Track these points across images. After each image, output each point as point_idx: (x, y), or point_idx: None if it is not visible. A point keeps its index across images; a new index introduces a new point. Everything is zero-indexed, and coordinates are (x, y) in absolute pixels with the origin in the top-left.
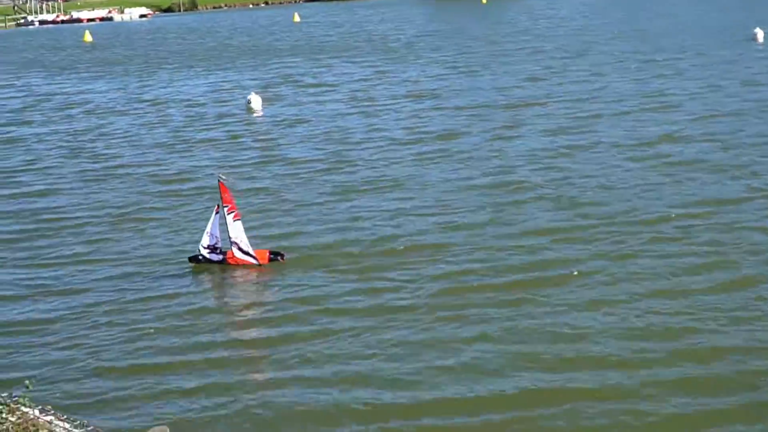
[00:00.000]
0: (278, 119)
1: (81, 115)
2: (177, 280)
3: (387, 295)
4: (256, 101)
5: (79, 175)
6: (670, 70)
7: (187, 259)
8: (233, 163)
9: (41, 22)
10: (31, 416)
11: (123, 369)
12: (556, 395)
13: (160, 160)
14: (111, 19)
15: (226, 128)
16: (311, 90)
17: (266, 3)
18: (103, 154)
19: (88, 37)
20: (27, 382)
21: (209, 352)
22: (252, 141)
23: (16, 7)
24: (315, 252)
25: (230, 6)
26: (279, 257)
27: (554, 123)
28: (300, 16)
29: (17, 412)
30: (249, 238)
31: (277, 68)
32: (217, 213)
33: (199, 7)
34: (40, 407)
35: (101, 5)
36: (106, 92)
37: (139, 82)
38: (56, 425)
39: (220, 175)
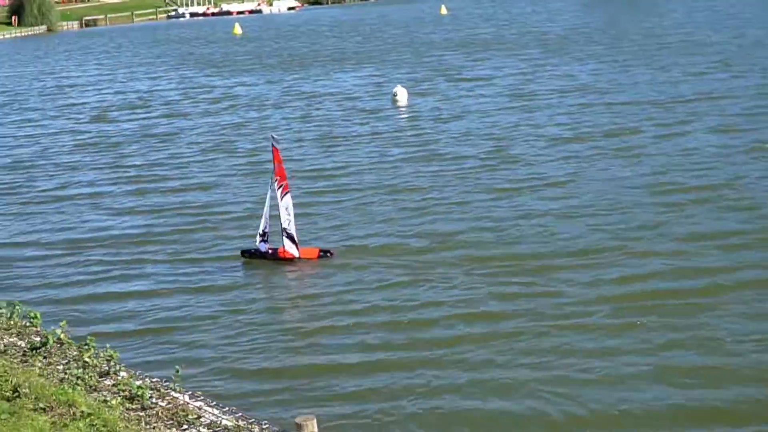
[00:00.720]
0: (427, 114)
1: (234, 109)
2: (332, 277)
3: (536, 301)
4: (402, 94)
5: (235, 169)
6: None
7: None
8: (385, 159)
9: (192, 15)
10: (181, 401)
11: (273, 361)
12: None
13: (310, 155)
14: (260, 11)
15: (374, 123)
16: (463, 84)
17: None
18: (258, 149)
19: (237, 30)
20: (177, 368)
21: (360, 349)
22: (399, 136)
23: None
24: (469, 253)
25: None
26: (328, 254)
27: (724, 121)
28: (447, 8)
29: (167, 397)
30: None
31: (427, 61)
32: (270, 191)
33: (346, 0)
34: (189, 393)
35: None
36: (257, 85)
37: (289, 76)
38: (205, 411)
39: (273, 135)
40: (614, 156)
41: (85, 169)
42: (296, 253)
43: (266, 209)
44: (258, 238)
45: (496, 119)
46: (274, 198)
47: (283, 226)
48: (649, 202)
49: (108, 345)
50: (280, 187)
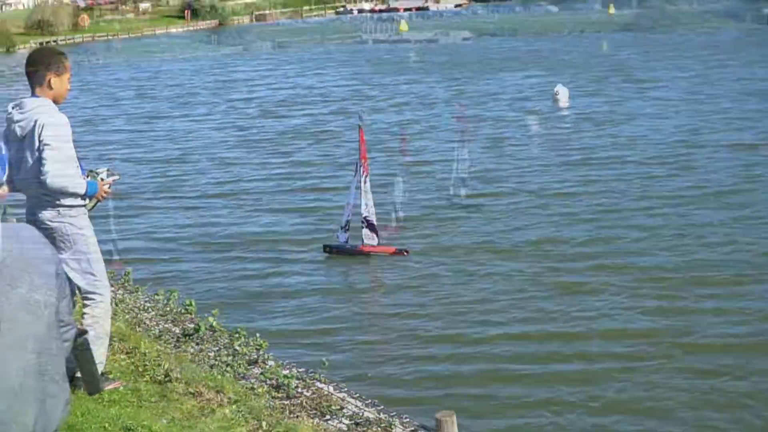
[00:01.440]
0: (590, 115)
1: (400, 107)
2: (480, 282)
3: (682, 324)
4: (563, 94)
5: (396, 169)
6: None
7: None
8: (543, 162)
9: (359, 11)
10: (325, 392)
11: (413, 361)
12: None
13: (467, 158)
14: (427, 8)
15: (534, 124)
16: (631, 85)
17: None
18: (422, 148)
19: (403, 26)
20: (324, 359)
21: (503, 357)
22: (558, 138)
23: None
24: (632, 267)
25: None
26: (404, 252)
27: None
28: (615, 8)
29: (312, 388)
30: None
31: (595, 62)
32: (356, 175)
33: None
34: (334, 384)
35: None
36: (424, 84)
37: (458, 74)
38: (348, 402)
39: (361, 113)
40: None
41: (249, 165)
42: (376, 242)
43: (351, 197)
44: (340, 230)
45: (666, 123)
46: (358, 184)
47: (364, 214)
48: None
49: (258, 334)
50: (365, 173)
